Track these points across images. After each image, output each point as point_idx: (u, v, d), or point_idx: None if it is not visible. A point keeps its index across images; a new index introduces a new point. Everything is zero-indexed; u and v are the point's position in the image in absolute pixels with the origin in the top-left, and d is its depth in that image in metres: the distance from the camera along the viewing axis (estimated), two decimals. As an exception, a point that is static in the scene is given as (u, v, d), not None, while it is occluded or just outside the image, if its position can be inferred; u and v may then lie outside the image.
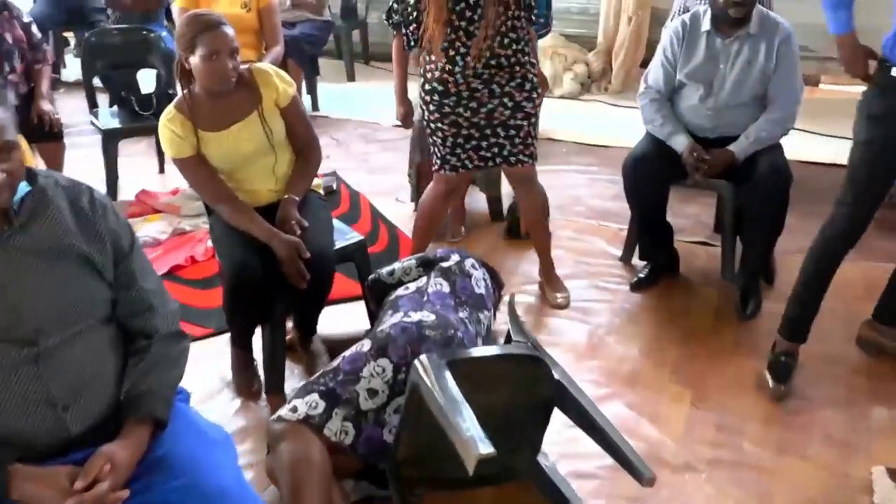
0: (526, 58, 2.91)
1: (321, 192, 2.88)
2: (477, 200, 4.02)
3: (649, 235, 3.33)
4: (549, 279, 3.30)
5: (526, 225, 3.31)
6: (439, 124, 2.96)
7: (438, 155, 3.03)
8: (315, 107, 5.67)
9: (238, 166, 2.61)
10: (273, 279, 2.50)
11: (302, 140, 2.73)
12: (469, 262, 2.71)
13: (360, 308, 2.93)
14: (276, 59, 4.34)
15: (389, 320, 2.45)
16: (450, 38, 2.81)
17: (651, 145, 3.17)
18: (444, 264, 2.68)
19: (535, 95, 2.94)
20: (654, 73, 3.26)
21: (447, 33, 2.80)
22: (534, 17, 2.94)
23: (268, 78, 2.60)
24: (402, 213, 4.00)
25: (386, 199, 4.18)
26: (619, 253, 3.57)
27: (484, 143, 2.97)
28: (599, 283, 3.36)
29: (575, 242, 3.71)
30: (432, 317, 2.40)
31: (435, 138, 3.01)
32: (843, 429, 2.52)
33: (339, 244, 2.75)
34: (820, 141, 4.82)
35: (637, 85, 6.20)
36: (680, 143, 3.09)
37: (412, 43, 2.95)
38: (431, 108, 2.94)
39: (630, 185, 3.18)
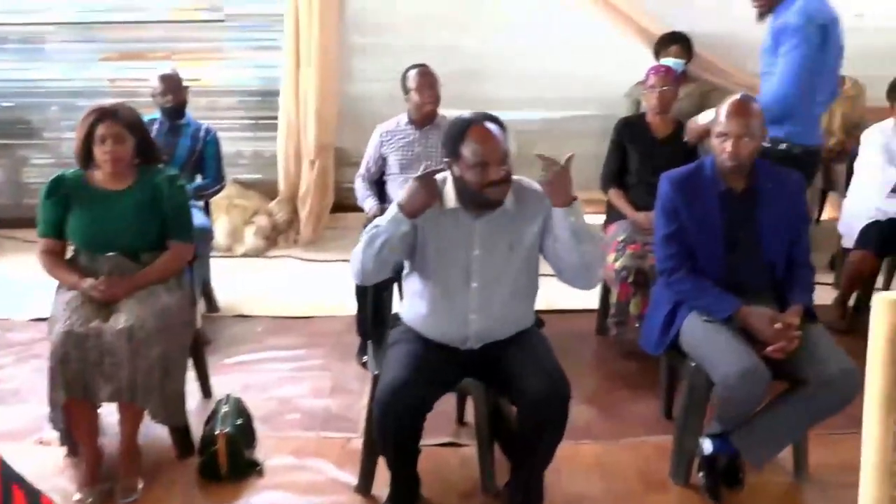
0: None
1: None
2: (155, 430, 2.97)
3: (407, 475, 2.57)
4: None
5: None
6: None
7: None
8: (-82, 302, 4.28)
9: None
10: None
11: None
12: None
13: None
14: None
15: None
16: None
17: (409, 358, 2.42)
18: None
19: None
20: None
21: None
22: None
23: None
24: (47, 465, 2.86)
25: (23, 443, 3.01)
26: (354, 479, 2.78)
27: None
28: (339, 538, 2.54)
29: (295, 474, 2.83)
30: None
31: None
32: None
33: None
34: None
35: (330, 233, 5.70)
36: None
37: None
38: None
39: (387, 425, 2.37)
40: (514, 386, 2.44)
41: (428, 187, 2.35)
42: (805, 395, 2.51)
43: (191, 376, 3.14)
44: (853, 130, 4.80)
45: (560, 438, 2.42)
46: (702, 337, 2.63)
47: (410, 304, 2.62)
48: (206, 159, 4.19)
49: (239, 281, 4.61)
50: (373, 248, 2.41)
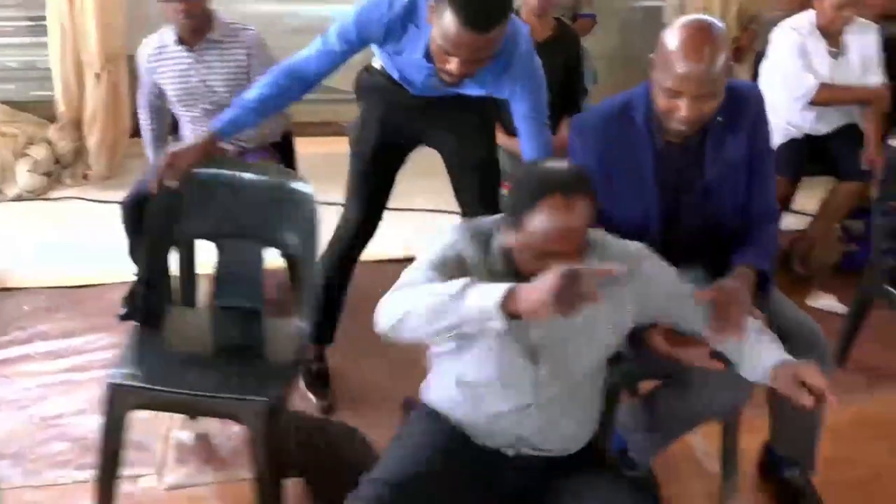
0: None
1: None
2: None
3: None
4: None
5: None
6: None
7: None
8: None
9: None
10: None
11: None
12: None
13: None
14: None
15: None
16: None
17: (423, 452, 1.65)
18: None
19: None
20: None
21: None
22: None
23: None
24: None
25: None
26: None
27: None
28: None
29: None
30: None
31: None
32: None
33: None
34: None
35: (131, 163, 4.57)
36: None
37: None
38: None
39: None
40: None
41: (576, 295, 1.36)
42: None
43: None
44: (750, 24, 4.15)
45: None
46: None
47: (445, 384, 1.72)
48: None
49: (8, 236, 3.56)
50: (432, 327, 1.49)
